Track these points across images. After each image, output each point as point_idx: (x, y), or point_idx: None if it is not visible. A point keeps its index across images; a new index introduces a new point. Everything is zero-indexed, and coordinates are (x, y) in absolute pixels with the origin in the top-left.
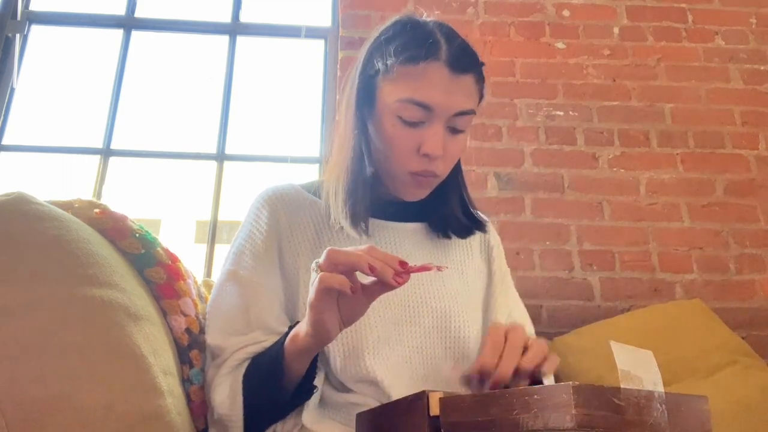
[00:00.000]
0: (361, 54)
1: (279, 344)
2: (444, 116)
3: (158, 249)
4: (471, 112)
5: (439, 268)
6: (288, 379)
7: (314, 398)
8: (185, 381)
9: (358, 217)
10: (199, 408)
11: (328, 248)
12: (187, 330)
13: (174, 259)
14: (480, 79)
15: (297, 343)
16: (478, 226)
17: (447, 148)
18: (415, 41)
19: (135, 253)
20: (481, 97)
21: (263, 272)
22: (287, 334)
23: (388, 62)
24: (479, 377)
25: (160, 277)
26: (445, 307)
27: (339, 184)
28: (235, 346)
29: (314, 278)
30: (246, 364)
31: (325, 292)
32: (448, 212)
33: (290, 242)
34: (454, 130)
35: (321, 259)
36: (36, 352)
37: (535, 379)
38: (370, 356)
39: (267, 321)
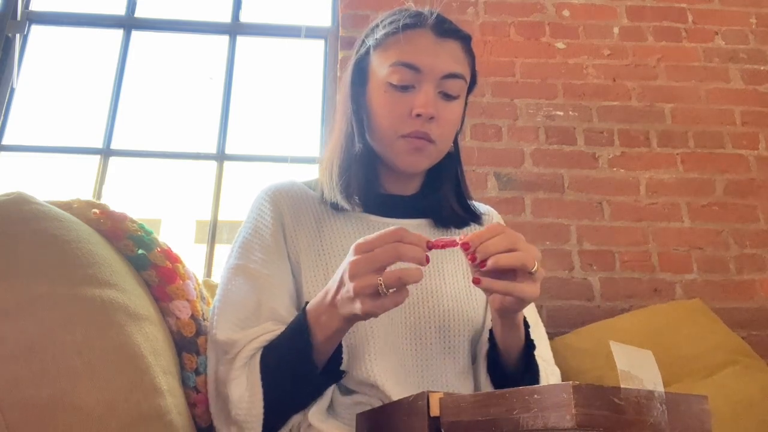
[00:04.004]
0: (356, 45)
1: (301, 328)
2: (433, 78)
3: (155, 251)
4: (460, 76)
5: (462, 244)
6: (318, 358)
7: (324, 399)
8: None
9: (352, 191)
10: (190, 409)
11: (398, 272)
12: (178, 332)
13: (174, 259)
14: (467, 50)
15: (332, 328)
16: (473, 217)
17: (440, 112)
18: (403, 16)
19: (130, 254)
20: (472, 73)
21: (273, 265)
22: (304, 315)
23: (378, 36)
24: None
25: (153, 279)
26: (445, 308)
27: (333, 163)
28: (247, 337)
29: (383, 299)
30: (259, 354)
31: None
32: (442, 200)
33: (293, 236)
34: (446, 96)
35: (387, 282)
36: (36, 352)
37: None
38: (370, 360)
39: (278, 312)
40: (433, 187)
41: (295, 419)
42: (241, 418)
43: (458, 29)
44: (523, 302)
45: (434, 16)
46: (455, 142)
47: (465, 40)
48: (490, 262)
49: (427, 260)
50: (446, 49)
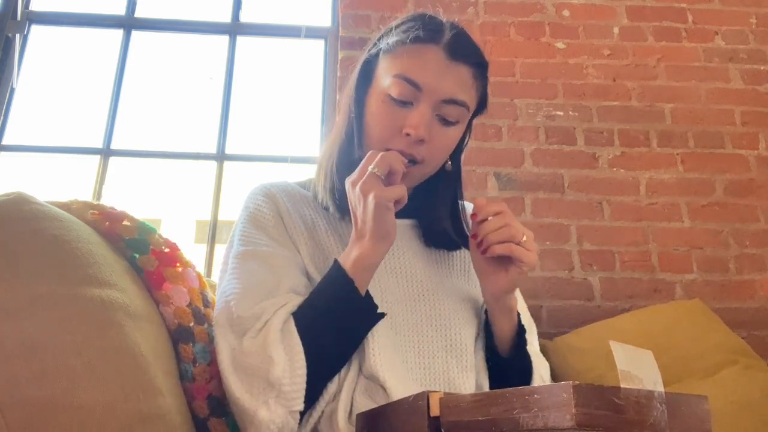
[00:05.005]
0: (369, 43)
1: (334, 271)
2: (432, 99)
3: (148, 255)
4: (462, 104)
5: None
6: (360, 289)
7: (344, 400)
8: None
9: (344, 198)
10: (190, 402)
11: (383, 155)
12: (176, 322)
13: (167, 262)
14: (479, 76)
15: (363, 262)
16: (466, 242)
17: (433, 136)
18: (422, 25)
19: (127, 255)
20: (481, 98)
21: (282, 247)
22: (335, 266)
23: (391, 41)
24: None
25: (152, 264)
26: (444, 307)
27: (330, 165)
28: (273, 306)
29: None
30: (291, 319)
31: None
32: (436, 220)
33: (291, 228)
34: (444, 121)
35: (377, 166)
36: (36, 351)
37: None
38: (374, 355)
39: (297, 287)
40: (428, 200)
41: (325, 403)
42: (286, 383)
43: (473, 54)
44: (519, 272)
45: (451, 34)
46: (457, 162)
47: (478, 66)
48: (485, 243)
49: (405, 164)
50: (454, 72)
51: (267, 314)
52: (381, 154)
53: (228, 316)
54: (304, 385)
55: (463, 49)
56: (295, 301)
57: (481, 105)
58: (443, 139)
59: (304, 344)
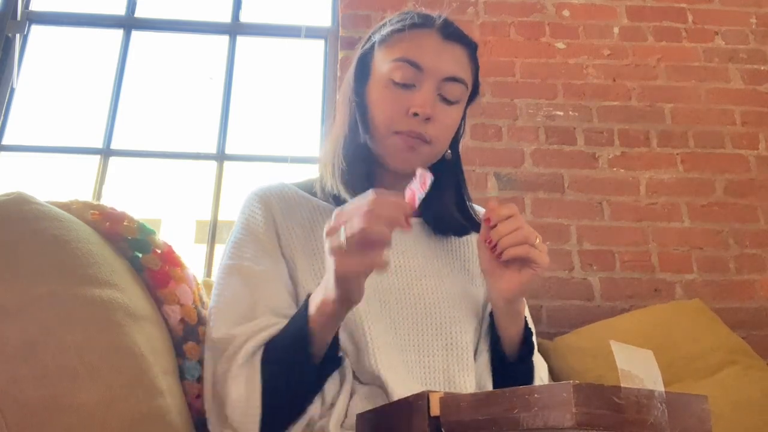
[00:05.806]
0: (362, 41)
1: (300, 316)
2: (434, 78)
3: (150, 254)
4: (461, 81)
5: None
6: (315, 348)
7: (339, 411)
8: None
9: (354, 183)
10: (193, 402)
11: (361, 222)
12: (182, 320)
13: (171, 262)
14: (472, 58)
15: (326, 310)
16: (475, 227)
17: (437, 115)
18: (411, 16)
19: (128, 255)
20: (474, 82)
21: (267, 260)
22: (305, 306)
23: (385, 32)
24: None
25: (155, 263)
26: (444, 306)
27: (336, 155)
28: (245, 334)
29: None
30: (260, 352)
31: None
32: (442, 208)
33: (286, 235)
34: (446, 100)
35: (348, 229)
36: (36, 351)
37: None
38: (374, 354)
39: (275, 306)
40: (433, 190)
41: (318, 416)
42: (237, 419)
43: (465, 35)
44: (533, 274)
45: (442, 19)
46: (456, 150)
47: (470, 47)
48: (499, 247)
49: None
50: (451, 52)
51: (239, 341)
52: (354, 213)
53: (209, 337)
54: (258, 423)
55: (456, 32)
56: (273, 329)
57: (475, 89)
58: (447, 118)
59: (264, 380)
